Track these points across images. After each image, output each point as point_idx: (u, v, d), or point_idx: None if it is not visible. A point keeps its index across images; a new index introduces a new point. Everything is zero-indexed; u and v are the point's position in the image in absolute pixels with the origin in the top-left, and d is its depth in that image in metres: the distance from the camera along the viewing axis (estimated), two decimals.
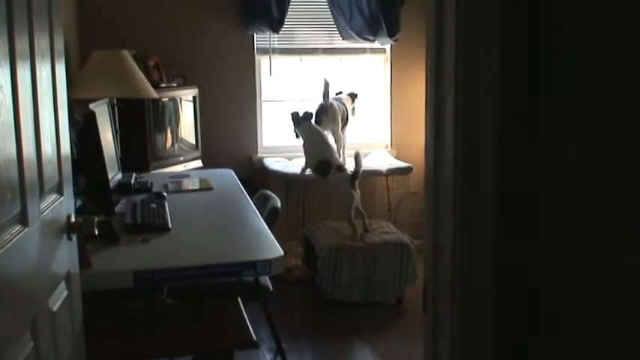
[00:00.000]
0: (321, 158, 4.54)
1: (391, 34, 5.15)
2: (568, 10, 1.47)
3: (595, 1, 1.41)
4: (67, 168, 1.90)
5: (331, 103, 4.81)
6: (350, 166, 4.52)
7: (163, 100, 4.52)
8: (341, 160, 4.67)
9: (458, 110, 1.58)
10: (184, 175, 4.00)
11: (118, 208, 3.02)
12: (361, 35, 5.18)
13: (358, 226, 4.51)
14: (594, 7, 1.41)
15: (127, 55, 3.89)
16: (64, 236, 1.84)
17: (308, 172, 4.74)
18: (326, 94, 4.80)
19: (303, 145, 4.69)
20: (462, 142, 1.58)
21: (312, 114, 4.71)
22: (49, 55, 1.75)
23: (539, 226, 1.58)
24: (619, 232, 1.34)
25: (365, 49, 5.41)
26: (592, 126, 1.41)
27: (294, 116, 4.68)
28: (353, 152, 4.50)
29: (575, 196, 1.47)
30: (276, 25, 5.04)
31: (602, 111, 1.38)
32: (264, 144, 5.37)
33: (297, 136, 4.72)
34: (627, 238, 1.32)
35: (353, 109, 4.99)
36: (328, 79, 4.84)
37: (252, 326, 2.46)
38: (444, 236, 1.68)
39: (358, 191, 4.49)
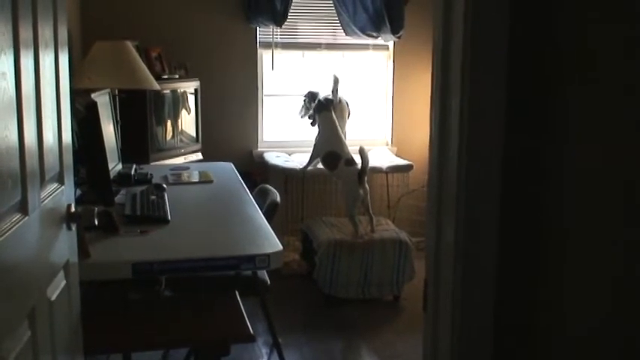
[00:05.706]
0: (331, 149, 4.51)
1: (395, 31, 5.14)
2: (579, 8, 1.47)
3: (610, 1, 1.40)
4: (68, 157, 1.90)
5: (340, 99, 4.79)
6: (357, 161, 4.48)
7: (165, 91, 4.51)
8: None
9: (464, 107, 1.57)
10: (184, 167, 4.00)
11: (118, 198, 3.02)
12: (364, 31, 5.17)
13: (361, 225, 4.47)
14: (607, 6, 1.40)
15: (129, 45, 3.88)
16: (64, 226, 1.84)
17: (310, 168, 4.71)
18: (335, 90, 4.77)
19: (317, 135, 4.66)
20: (467, 140, 1.58)
21: (332, 101, 4.67)
22: (52, 45, 1.74)
23: (544, 225, 1.58)
24: (629, 235, 1.33)
25: (368, 45, 5.40)
26: (599, 125, 1.41)
27: (318, 103, 4.62)
28: (356, 148, 4.46)
29: (581, 194, 1.46)
30: (279, 19, 5.03)
31: (611, 110, 1.37)
32: (265, 138, 5.36)
33: (312, 122, 4.68)
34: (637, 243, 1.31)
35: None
36: (338, 75, 4.79)
37: (249, 320, 2.46)
38: (446, 234, 1.67)
39: (367, 188, 4.45)
